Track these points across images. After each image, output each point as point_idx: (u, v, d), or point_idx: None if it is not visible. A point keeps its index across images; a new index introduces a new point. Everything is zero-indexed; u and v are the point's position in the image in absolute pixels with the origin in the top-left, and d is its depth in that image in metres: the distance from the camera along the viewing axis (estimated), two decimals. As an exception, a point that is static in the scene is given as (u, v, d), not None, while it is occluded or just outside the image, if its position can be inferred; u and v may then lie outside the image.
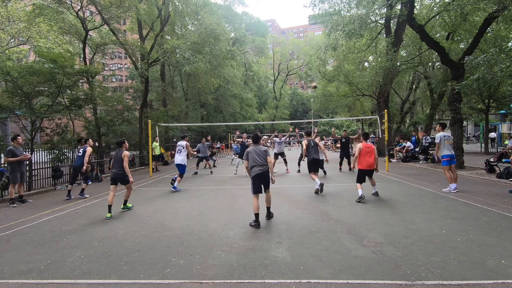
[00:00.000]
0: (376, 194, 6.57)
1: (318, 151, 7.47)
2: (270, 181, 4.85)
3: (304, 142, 7.50)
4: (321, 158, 7.81)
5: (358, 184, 6.38)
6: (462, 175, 9.66)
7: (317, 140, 8.38)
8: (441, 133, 7.37)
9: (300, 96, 63.47)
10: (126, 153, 5.78)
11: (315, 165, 7.34)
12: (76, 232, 4.61)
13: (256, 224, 4.55)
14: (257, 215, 4.58)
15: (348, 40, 14.88)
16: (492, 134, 21.30)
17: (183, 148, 8.46)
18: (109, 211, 5.46)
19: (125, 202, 6.04)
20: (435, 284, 2.71)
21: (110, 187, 5.74)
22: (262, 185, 4.81)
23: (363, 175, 6.41)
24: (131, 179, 5.84)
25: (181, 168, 8.35)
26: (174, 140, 24.14)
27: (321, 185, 7.01)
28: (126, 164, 5.72)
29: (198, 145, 12.35)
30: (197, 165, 12.45)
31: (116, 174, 5.76)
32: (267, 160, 4.82)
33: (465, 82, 8.99)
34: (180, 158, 8.39)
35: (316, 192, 7.05)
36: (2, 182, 7.38)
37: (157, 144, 13.82)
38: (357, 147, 6.45)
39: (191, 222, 4.97)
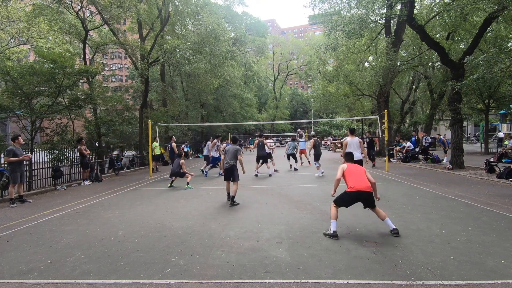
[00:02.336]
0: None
1: (265, 148, 10.88)
2: (235, 174, 6.18)
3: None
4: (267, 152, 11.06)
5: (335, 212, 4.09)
6: (462, 175, 9.66)
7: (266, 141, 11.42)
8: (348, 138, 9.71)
9: (300, 96, 63.44)
10: (182, 160, 8.93)
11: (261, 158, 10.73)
12: (76, 232, 4.61)
13: (228, 198, 6.33)
14: (228, 194, 6.38)
15: (348, 40, 14.89)
16: (500, 134, 21.41)
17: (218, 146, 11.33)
18: (171, 184, 8.78)
19: (188, 183, 8.71)
20: (435, 284, 2.71)
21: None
22: (230, 177, 6.27)
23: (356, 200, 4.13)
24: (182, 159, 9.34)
25: (213, 160, 11.32)
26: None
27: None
28: (184, 166, 8.95)
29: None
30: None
31: (175, 167, 8.82)
32: (236, 158, 6.21)
33: (464, 82, 8.99)
34: (216, 152, 11.25)
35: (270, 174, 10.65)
36: (2, 182, 7.38)
37: (157, 144, 13.82)
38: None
39: (191, 222, 4.97)
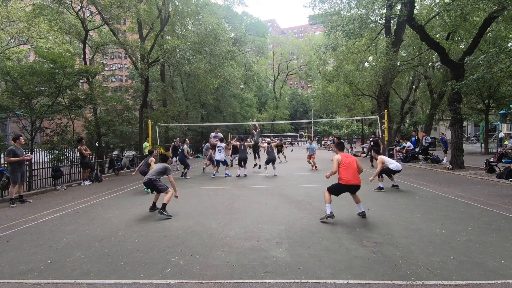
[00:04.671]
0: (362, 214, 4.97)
1: (246, 150, 11.02)
2: (157, 186, 5.60)
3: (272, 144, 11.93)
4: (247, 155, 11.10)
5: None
6: (462, 175, 9.66)
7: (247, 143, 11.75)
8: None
9: (300, 96, 63.49)
10: (152, 158, 8.41)
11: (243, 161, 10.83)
12: (76, 232, 4.61)
13: (151, 207, 5.88)
14: (154, 203, 5.94)
15: (348, 40, 14.91)
16: (502, 134, 21.52)
17: (223, 148, 10.79)
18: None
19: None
20: (435, 284, 2.71)
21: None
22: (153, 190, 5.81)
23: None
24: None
25: (223, 162, 10.71)
26: (174, 140, 24.14)
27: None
28: (153, 164, 8.37)
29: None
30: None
31: (143, 166, 8.58)
32: (160, 174, 5.86)
33: (464, 82, 8.99)
34: (219, 155, 10.64)
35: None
36: (2, 182, 7.38)
37: (148, 143, 14.02)
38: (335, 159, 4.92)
39: (191, 222, 4.97)
